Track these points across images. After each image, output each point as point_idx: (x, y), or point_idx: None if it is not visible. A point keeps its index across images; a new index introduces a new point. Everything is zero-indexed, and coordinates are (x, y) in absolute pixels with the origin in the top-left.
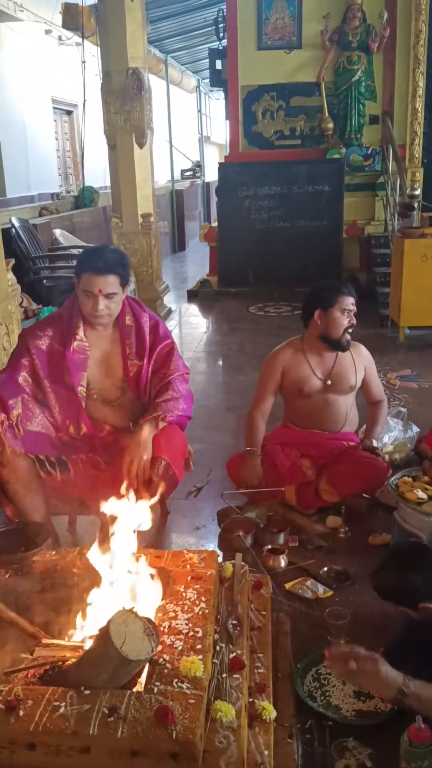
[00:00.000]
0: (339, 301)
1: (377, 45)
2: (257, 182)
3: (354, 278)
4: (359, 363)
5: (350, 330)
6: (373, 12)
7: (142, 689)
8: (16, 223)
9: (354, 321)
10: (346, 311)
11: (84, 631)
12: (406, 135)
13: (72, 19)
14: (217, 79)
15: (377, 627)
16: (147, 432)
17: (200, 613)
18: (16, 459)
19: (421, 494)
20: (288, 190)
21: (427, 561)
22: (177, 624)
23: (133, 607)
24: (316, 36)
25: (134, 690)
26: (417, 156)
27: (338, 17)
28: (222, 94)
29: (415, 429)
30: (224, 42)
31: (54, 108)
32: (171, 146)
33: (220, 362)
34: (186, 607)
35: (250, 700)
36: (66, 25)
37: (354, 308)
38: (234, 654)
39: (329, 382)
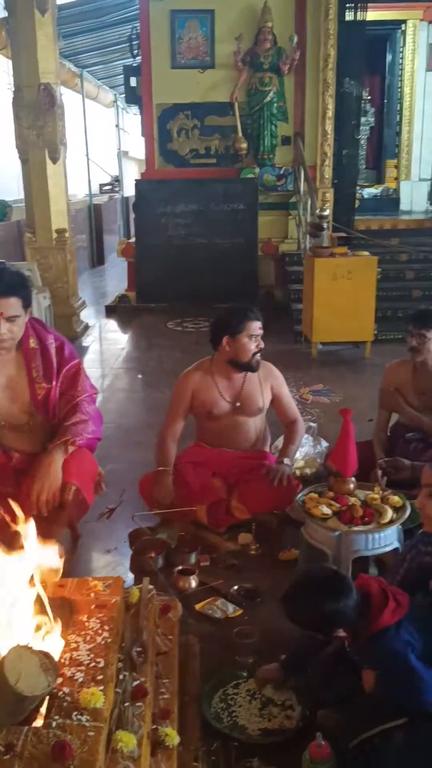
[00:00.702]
0: (246, 327)
1: (288, 67)
2: (174, 199)
3: (270, 294)
4: (266, 384)
5: (258, 354)
6: (283, 35)
7: (42, 723)
8: None
9: (261, 344)
10: (253, 336)
11: None
12: (317, 156)
13: None
14: (132, 96)
15: (286, 643)
16: (56, 458)
17: (103, 642)
18: None
19: (326, 510)
20: (204, 207)
21: (336, 588)
22: (78, 655)
23: (28, 642)
24: (229, 56)
25: (33, 725)
26: (327, 177)
27: (250, 39)
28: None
29: (325, 444)
30: (138, 59)
31: None
32: (88, 161)
33: (138, 379)
34: (88, 637)
35: (154, 727)
36: None
37: (261, 332)
38: (137, 682)
39: (238, 404)
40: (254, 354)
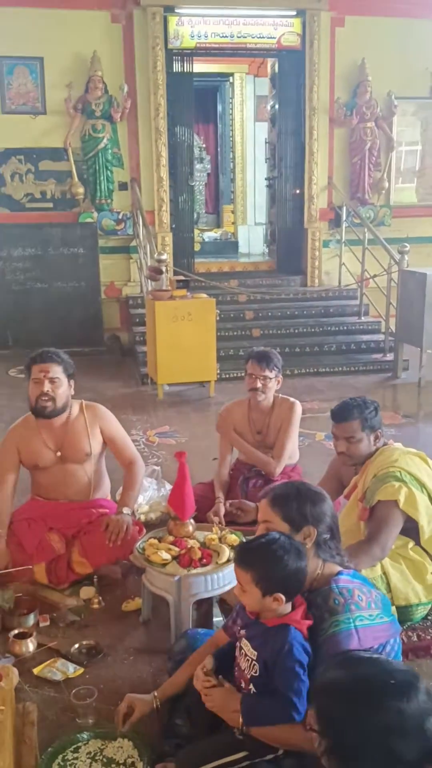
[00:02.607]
0: (33, 370)
1: (120, 115)
2: (10, 243)
3: (115, 337)
4: (94, 427)
5: (44, 398)
6: (114, 84)
7: None
8: None
9: (45, 388)
10: (36, 379)
11: None
12: (154, 201)
13: None
14: None
15: None
16: None
17: None
18: None
19: (165, 555)
20: (43, 251)
21: (301, 552)
22: None
23: None
24: (60, 103)
25: None
26: (166, 221)
27: (81, 86)
28: None
29: (168, 487)
30: None
31: None
32: None
33: None
34: None
35: None
36: None
37: (45, 374)
38: None
39: (59, 453)
40: (38, 397)
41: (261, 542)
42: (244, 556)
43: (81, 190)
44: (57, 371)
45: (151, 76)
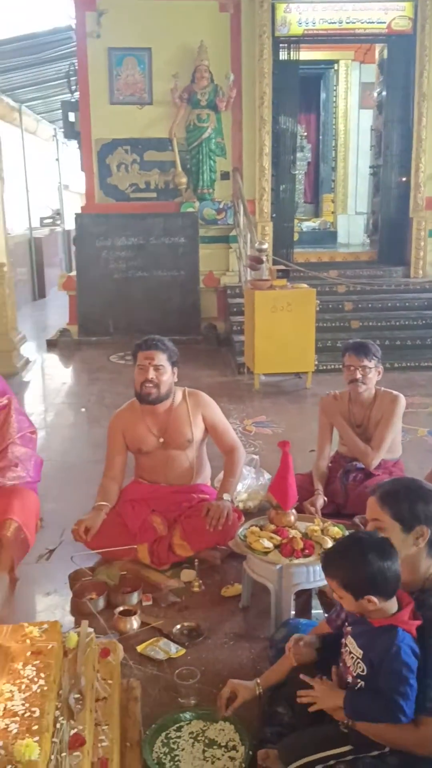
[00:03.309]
0: (138, 357)
1: (225, 104)
2: (114, 233)
3: (212, 326)
4: (196, 414)
5: (149, 384)
6: (219, 73)
7: None
8: None
9: (150, 375)
10: (141, 366)
11: None
12: (255, 191)
13: None
14: (71, 131)
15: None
16: None
17: (38, 691)
18: None
19: (267, 543)
20: (145, 241)
21: (388, 550)
22: (13, 705)
23: None
24: (166, 93)
25: None
26: (266, 211)
27: (187, 76)
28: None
29: (267, 476)
30: (77, 95)
31: None
32: (28, 194)
33: (80, 414)
34: (23, 686)
35: None
36: None
37: (150, 361)
38: (75, 730)
39: (161, 440)
40: (142, 384)
41: (340, 546)
42: (326, 563)
43: (184, 179)
44: (162, 359)
45: (257, 64)
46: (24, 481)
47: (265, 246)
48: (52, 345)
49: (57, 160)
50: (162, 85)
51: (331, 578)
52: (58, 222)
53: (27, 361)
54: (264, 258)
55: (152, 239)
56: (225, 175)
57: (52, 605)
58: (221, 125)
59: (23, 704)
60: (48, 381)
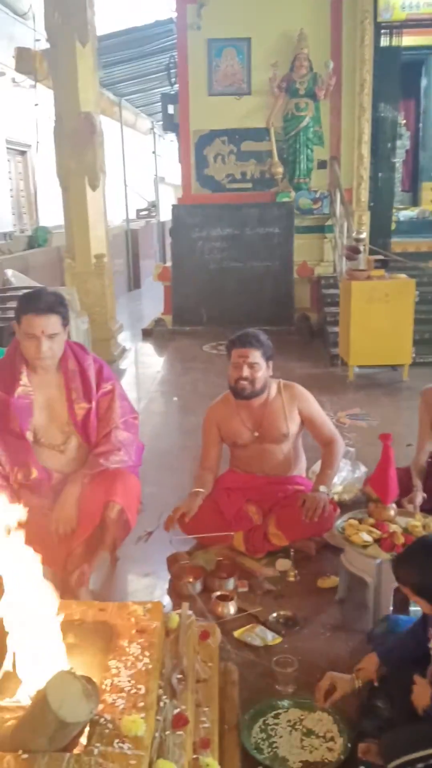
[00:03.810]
0: (232, 354)
1: (324, 93)
2: (210, 224)
3: (305, 317)
4: (292, 408)
5: (244, 381)
6: (319, 61)
7: (83, 750)
8: None
9: (244, 373)
10: (236, 363)
11: (23, 690)
12: (353, 179)
13: (25, 63)
14: (170, 123)
15: (325, 673)
16: (71, 491)
17: (143, 668)
18: None
19: (366, 537)
20: (240, 231)
21: None
22: (119, 681)
23: (71, 667)
24: (265, 83)
25: (74, 752)
26: (363, 200)
27: (286, 65)
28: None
29: (363, 469)
30: (176, 87)
31: (8, 148)
32: (126, 187)
33: (173, 402)
34: (129, 663)
35: (194, 756)
36: (19, 69)
37: (243, 359)
38: (178, 709)
39: (256, 434)
40: (236, 380)
41: (408, 552)
42: (396, 570)
43: (280, 169)
44: (256, 356)
45: (358, 51)
46: (126, 465)
47: (363, 235)
48: (147, 334)
49: (154, 152)
50: (260, 74)
51: (403, 584)
52: (154, 214)
53: (123, 350)
54: (361, 248)
55: (247, 230)
56: (322, 164)
57: (150, 586)
58: (319, 114)
59: (129, 681)
60: (143, 369)
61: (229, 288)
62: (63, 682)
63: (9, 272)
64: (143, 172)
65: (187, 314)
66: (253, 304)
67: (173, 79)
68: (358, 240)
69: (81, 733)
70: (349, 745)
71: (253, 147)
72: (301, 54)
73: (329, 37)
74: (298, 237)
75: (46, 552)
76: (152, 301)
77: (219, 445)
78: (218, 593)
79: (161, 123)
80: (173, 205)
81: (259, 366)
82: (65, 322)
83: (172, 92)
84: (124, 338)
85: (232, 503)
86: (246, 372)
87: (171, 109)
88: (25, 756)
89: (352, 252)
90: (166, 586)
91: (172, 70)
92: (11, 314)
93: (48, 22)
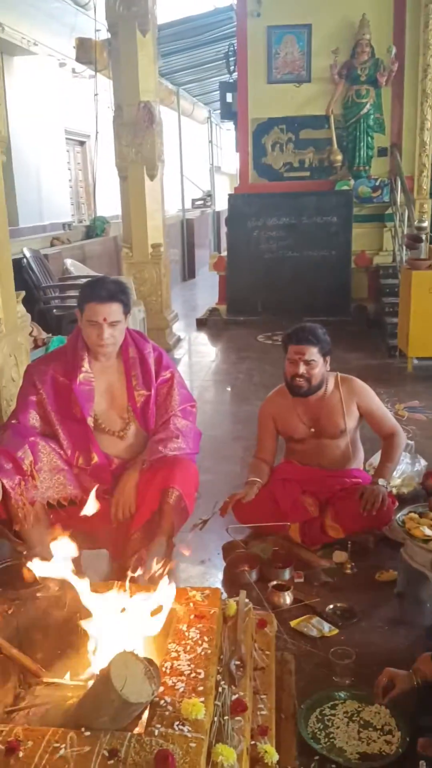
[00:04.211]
0: (288, 350)
1: (385, 79)
2: (266, 213)
3: (362, 307)
4: (350, 403)
5: (300, 379)
6: (381, 47)
7: (143, 731)
8: (28, 254)
9: (300, 370)
10: (292, 360)
11: (86, 670)
12: (415, 167)
13: (85, 53)
14: (228, 112)
15: (383, 667)
16: (130, 477)
17: (203, 653)
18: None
19: (428, 531)
20: (297, 220)
21: None
22: (179, 665)
23: (134, 649)
24: (325, 70)
25: (135, 732)
26: (425, 188)
27: (347, 52)
28: (232, 126)
29: (423, 462)
30: (235, 75)
31: (67, 139)
32: (182, 176)
33: (227, 391)
34: (188, 647)
35: (252, 742)
36: (79, 58)
37: (300, 356)
38: (236, 696)
39: (312, 430)
40: (292, 377)
41: None
42: None
43: (339, 157)
44: (313, 353)
45: (422, 35)
46: (184, 452)
47: (425, 224)
48: (201, 324)
49: (210, 142)
50: (320, 61)
51: None
52: (209, 204)
53: (178, 339)
54: (423, 237)
55: (304, 218)
56: (382, 152)
57: (205, 573)
58: (380, 100)
59: (189, 665)
60: (197, 358)
61: (285, 278)
62: (125, 663)
63: (68, 262)
64: (199, 162)
65: (241, 304)
66: (309, 294)
67: (232, 67)
68: (419, 229)
69: (142, 714)
70: (408, 739)
71: (312, 135)
72: (363, 40)
73: (392, 22)
74: (357, 226)
75: (105, 537)
76: (206, 291)
77: (275, 437)
78: (275, 582)
79: (218, 112)
80: (229, 195)
81: (315, 363)
82: (127, 310)
83: (231, 80)
84: (178, 328)
85: (288, 494)
86: (302, 369)
87: (229, 98)
88: (88, 733)
89: (413, 241)
90: (220, 575)
91: (231, 58)
92: (70, 303)
93: (109, 11)
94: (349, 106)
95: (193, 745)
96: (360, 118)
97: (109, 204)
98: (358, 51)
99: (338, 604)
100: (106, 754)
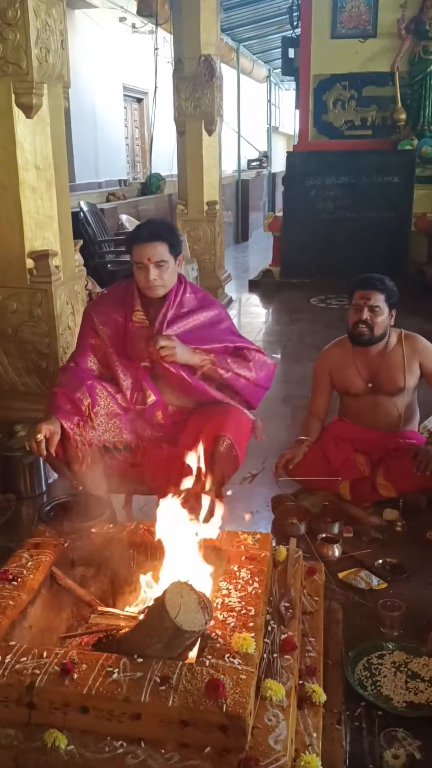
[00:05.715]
0: (354, 296)
1: None
2: (325, 172)
3: (421, 271)
4: (411, 360)
5: (363, 325)
6: None
7: (195, 661)
8: (85, 207)
9: (364, 316)
10: (357, 306)
11: (139, 601)
12: None
13: (147, 6)
14: (289, 68)
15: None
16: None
17: (253, 592)
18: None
19: None
20: (356, 180)
21: None
22: (230, 601)
23: (188, 580)
24: (392, 25)
25: (186, 662)
26: None
27: (416, 6)
28: (292, 85)
29: None
30: (298, 30)
31: (125, 95)
32: (239, 136)
33: (279, 352)
34: (239, 586)
35: (300, 682)
36: (140, 11)
37: (365, 301)
38: (285, 635)
39: (370, 385)
40: (355, 324)
41: None
42: None
43: (403, 116)
44: (379, 299)
45: None
46: (252, 381)
47: None
48: (254, 285)
49: (269, 101)
50: (388, 16)
51: None
52: (265, 165)
53: (230, 300)
54: None
55: (364, 178)
56: None
57: (254, 524)
58: None
59: (239, 602)
60: (248, 319)
61: (341, 239)
62: (181, 592)
63: (123, 217)
64: (256, 122)
65: (295, 266)
66: (366, 257)
67: (295, 22)
68: None
69: (193, 645)
70: None
71: (376, 92)
72: None
73: None
74: (419, 187)
75: (157, 482)
76: (259, 254)
77: (329, 392)
78: (324, 535)
79: (278, 71)
80: (288, 153)
81: (380, 310)
82: (174, 251)
83: (294, 35)
84: (230, 288)
85: (339, 452)
86: (366, 314)
87: (291, 53)
88: (140, 660)
89: None
90: (269, 526)
91: (294, 13)
92: (125, 257)
93: None
94: (415, 62)
95: (243, 677)
96: (426, 75)
97: (164, 162)
98: (427, 5)
99: (388, 559)
100: (158, 681)
